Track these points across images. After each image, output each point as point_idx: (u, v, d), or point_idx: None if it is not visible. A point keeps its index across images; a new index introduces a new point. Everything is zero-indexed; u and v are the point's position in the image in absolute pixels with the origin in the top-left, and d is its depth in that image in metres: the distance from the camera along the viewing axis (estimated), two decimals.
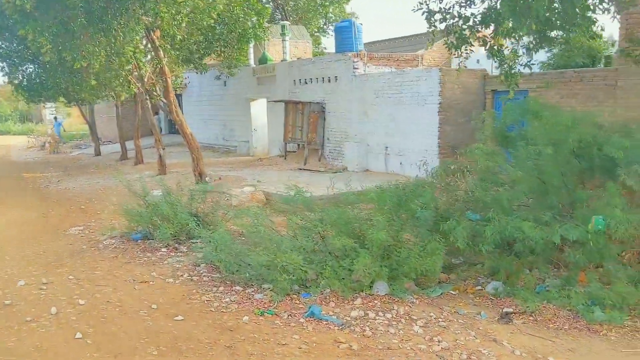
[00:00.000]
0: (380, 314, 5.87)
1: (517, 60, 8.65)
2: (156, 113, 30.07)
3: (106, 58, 12.91)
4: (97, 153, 26.10)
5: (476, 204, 7.59)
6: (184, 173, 18.07)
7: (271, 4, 23.81)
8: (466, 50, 8.63)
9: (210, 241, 7.31)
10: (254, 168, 18.51)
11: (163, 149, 18.03)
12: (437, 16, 8.25)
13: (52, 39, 11.60)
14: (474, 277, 7.31)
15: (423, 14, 8.23)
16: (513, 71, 8.73)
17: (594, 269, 6.58)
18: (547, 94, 13.38)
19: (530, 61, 8.77)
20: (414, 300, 6.42)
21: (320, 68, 18.08)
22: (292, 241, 6.92)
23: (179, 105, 30.40)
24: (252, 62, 21.93)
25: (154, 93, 14.74)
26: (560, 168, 6.85)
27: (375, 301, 6.23)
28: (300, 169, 17.46)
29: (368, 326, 5.49)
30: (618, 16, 8.39)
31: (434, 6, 8.25)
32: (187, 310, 5.82)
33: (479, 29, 8.40)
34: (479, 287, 6.97)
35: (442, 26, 8.38)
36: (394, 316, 5.84)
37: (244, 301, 6.15)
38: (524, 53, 9.01)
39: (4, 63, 20.99)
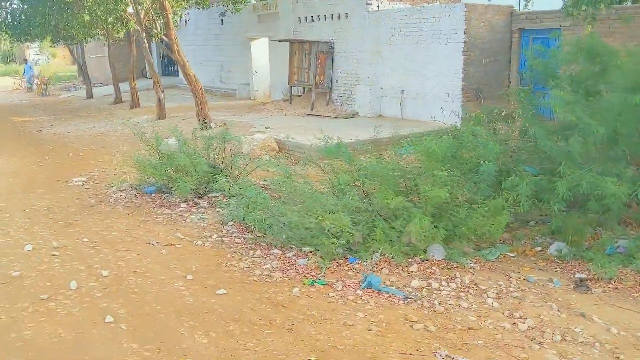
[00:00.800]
0: (443, 283, 5.16)
1: None
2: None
3: None
4: (89, 96, 24.85)
5: (534, 156, 6.79)
6: (185, 118, 17.09)
7: None
8: None
9: (242, 197, 6.50)
10: (257, 113, 17.53)
11: (162, 91, 16.94)
12: None
13: None
14: (530, 236, 6.61)
15: None
16: None
17: None
18: (580, 33, 12.41)
19: None
20: (474, 265, 5.71)
21: (329, 4, 16.84)
22: (334, 199, 6.12)
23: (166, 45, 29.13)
24: None
25: (154, 30, 13.55)
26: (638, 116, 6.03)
27: (433, 267, 5.51)
28: (308, 114, 16.52)
29: (436, 300, 4.78)
30: None
31: None
32: (227, 280, 5.07)
33: None
34: (539, 249, 6.28)
35: None
36: (459, 286, 5.14)
37: (287, 268, 5.41)
38: None
39: None
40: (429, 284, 5.13)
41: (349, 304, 4.65)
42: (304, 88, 18.34)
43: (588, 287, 5.28)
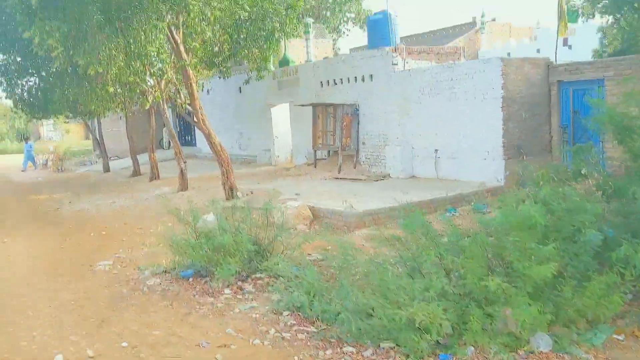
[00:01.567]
0: None
1: None
2: (164, 125, 28.43)
3: (125, 62, 11.26)
4: (106, 169, 24.40)
5: (632, 218, 5.92)
6: (209, 188, 16.43)
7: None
8: None
9: (299, 281, 5.64)
10: (282, 179, 16.85)
11: (184, 162, 16.35)
12: None
13: (63, 41, 9.95)
14: (635, 312, 5.65)
15: None
16: None
17: None
18: (625, 85, 11.77)
19: None
20: (586, 355, 4.75)
21: (352, 66, 16.45)
22: (411, 280, 5.24)
23: (192, 117, 28.94)
24: (271, 65, 20.26)
25: (178, 100, 13.07)
26: None
27: None
28: (336, 178, 15.81)
29: None
30: None
31: None
32: None
33: None
34: None
35: None
36: None
37: None
38: None
39: (2, 78, 19.36)
40: None
41: None
42: (329, 151, 17.74)
43: None
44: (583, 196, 6.10)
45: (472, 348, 4.76)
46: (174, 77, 13.09)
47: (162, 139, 29.41)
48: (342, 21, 25.04)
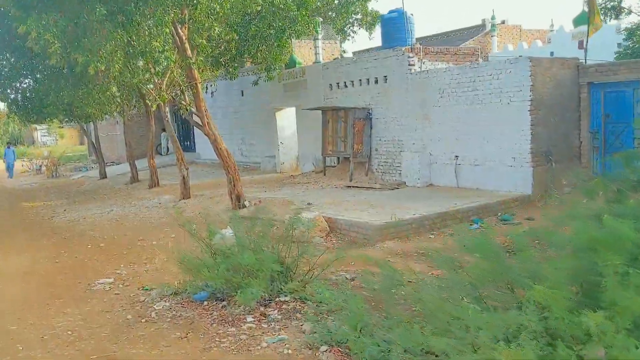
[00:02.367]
0: None
1: None
2: (163, 130, 27.52)
3: (125, 60, 10.38)
4: (103, 175, 23.45)
5: None
6: (212, 196, 15.53)
7: None
8: None
9: (341, 309, 4.75)
10: (291, 187, 15.97)
11: (186, 169, 15.45)
12: None
13: (61, 36, 9.06)
14: None
15: None
16: None
17: None
18: None
19: None
20: None
21: (364, 68, 15.62)
22: (481, 313, 4.36)
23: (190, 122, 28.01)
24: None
25: (182, 103, 12.18)
26: None
27: None
28: (348, 187, 14.94)
29: None
30: None
31: None
32: None
33: None
34: None
35: None
36: None
37: None
38: None
39: None
40: None
41: None
42: (338, 158, 16.88)
43: None
44: None
45: None
46: (179, 77, 12.20)
47: (159, 144, 28.46)
48: (347, 22, 24.22)
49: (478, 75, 12.56)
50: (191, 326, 5.59)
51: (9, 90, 19.66)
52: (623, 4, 16.35)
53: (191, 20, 10.60)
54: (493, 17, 24.22)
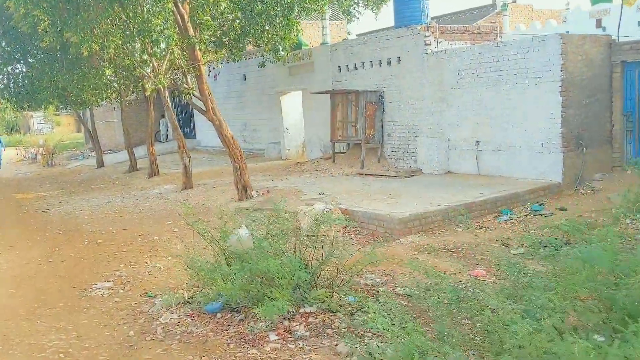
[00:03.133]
0: None
1: None
2: (162, 116, 26.58)
3: (124, 39, 9.46)
4: (100, 164, 22.57)
5: None
6: (216, 185, 14.70)
7: None
8: None
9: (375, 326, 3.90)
10: (298, 175, 15.11)
11: (189, 157, 14.58)
12: None
13: (51, 13, 8.14)
14: None
15: None
16: None
17: None
18: None
19: None
20: None
21: (376, 48, 14.69)
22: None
23: (190, 108, 26.98)
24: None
25: (184, 86, 11.28)
26: None
27: None
28: (361, 174, 14.08)
29: None
30: None
31: None
32: None
33: None
34: None
35: None
36: None
37: None
38: None
39: None
40: None
41: None
42: (348, 144, 16.01)
43: None
44: None
45: None
46: (180, 58, 11.28)
47: (158, 130, 27.47)
48: (352, 2, 23.18)
49: (502, 55, 11.65)
50: (205, 346, 4.76)
51: (0, 76, 18.75)
52: None
53: None
54: None
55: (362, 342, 4.40)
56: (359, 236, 9.43)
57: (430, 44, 13.35)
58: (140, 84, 16.33)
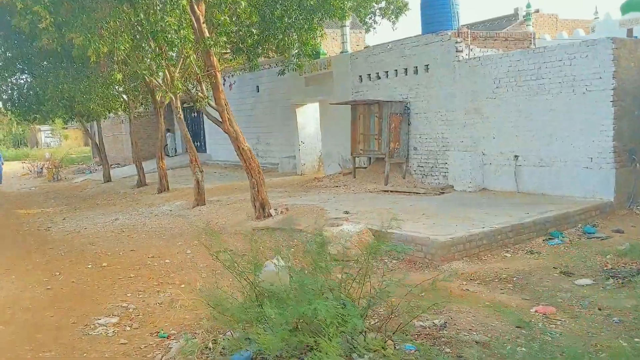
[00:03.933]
0: None
1: None
2: (167, 130, 25.60)
3: (133, 42, 8.56)
4: (107, 179, 21.69)
5: None
6: (230, 202, 13.73)
7: None
8: None
9: None
10: (317, 191, 14.13)
11: (201, 171, 13.64)
12: None
13: (53, 9, 7.26)
14: None
15: None
16: None
17: None
18: None
19: None
20: None
21: (401, 56, 13.77)
22: None
23: (200, 120, 26.19)
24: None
25: (199, 94, 10.36)
26: None
27: None
28: (385, 191, 13.09)
29: None
30: None
31: None
32: None
33: None
34: None
35: None
36: None
37: None
38: None
39: None
40: None
41: None
42: (370, 158, 15.04)
43: None
44: None
45: None
46: (195, 63, 10.36)
47: (166, 144, 26.51)
48: (369, 12, 22.33)
49: (544, 61, 10.69)
50: None
51: (4, 87, 17.94)
52: None
53: None
54: (528, 5, 22.31)
55: None
56: (395, 261, 8.42)
57: (461, 51, 12.43)
58: (150, 95, 15.46)
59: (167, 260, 9.28)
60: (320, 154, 18.06)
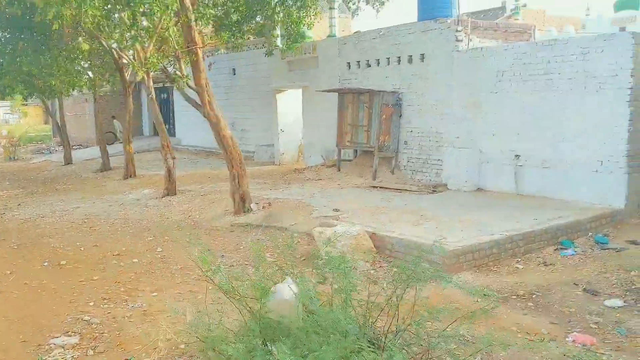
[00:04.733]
0: None
1: None
2: (113, 117, 23.91)
3: (103, 9, 7.39)
4: (68, 161, 20.23)
5: None
6: (204, 193, 12.66)
7: None
8: None
9: None
10: (300, 184, 13.13)
11: (173, 158, 12.50)
12: None
13: None
14: None
15: None
16: None
17: None
18: None
19: None
20: None
21: (394, 44, 12.84)
22: None
23: (169, 102, 24.78)
24: (279, 40, 16.46)
25: (177, 73, 9.23)
26: None
27: None
28: (374, 187, 12.18)
29: None
30: None
31: None
32: None
33: None
34: None
35: None
36: None
37: None
38: None
39: None
40: None
41: None
42: (356, 151, 14.10)
43: None
44: None
45: None
46: (174, 38, 9.21)
47: (108, 132, 24.20)
48: None
49: (555, 55, 9.90)
50: None
51: None
52: None
53: None
54: None
55: None
56: (395, 270, 7.51)
57: (461, 41, 11.57)
58: (119, 73, 14.18)
59: (135, 260, 8.21)
60: (300, 143, 17.04)
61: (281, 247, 8.68)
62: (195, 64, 9.01)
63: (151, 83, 11.69)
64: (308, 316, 3.44)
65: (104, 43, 12.32)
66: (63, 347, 4.92)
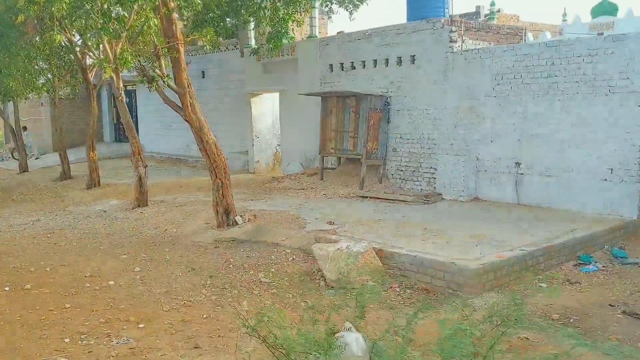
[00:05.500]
0: None
1: None
2: (24, 128, 21.67)
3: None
4: (24, 169, 18.78)
5: None
6: (178, 204, 11.69)
7: None
8: None
9: None
10: (282, 194, 12.27)
11: (145, 166, 11.47)
12: None
13: None
14: None
15: None
16: None
17: None
18: None
19: None
20: None
21: (382, 44, 12.16)
22: None
23: (132, 106, 23.49)
24: (252, 41, 15.58)
25: (157, 72, 8.27)
26: None
27: None
28: (363, 197, 11.42)
29: None
30: None
31: None
32: None
33: None
34: None
35: None
36: None
37: None
38: None
39: None
40: None
41: None
42: (339, 158, 13.34)
43: None
44: None
45: None
46: (153, 32, 8.25)
47: (14, 148, 22.04)
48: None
49: (559, 57, 9.38)
50: None
51: None
52: None
53: None
54: (493, 3, 21.41)
55: None
56: (409, 291, 6.77)
57: (456, 41, 10.97)
58: (82, 74, 13.05)
59: (110, 282, 7.21)
60: (276, 150, 16.19)
61: (275, 265, 7.95)
62: (176, 62, 8.09)
63: (121, 84, 10.66)
64: None
65: (64, 40, 11.25)
66: None
